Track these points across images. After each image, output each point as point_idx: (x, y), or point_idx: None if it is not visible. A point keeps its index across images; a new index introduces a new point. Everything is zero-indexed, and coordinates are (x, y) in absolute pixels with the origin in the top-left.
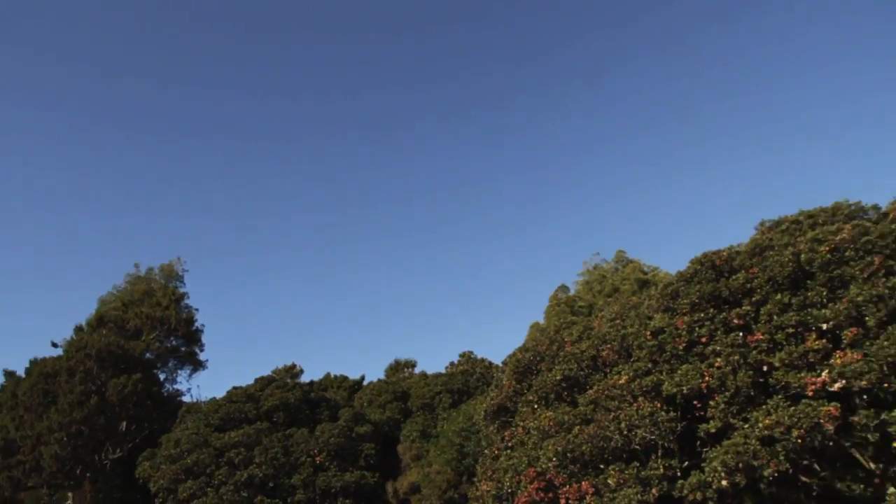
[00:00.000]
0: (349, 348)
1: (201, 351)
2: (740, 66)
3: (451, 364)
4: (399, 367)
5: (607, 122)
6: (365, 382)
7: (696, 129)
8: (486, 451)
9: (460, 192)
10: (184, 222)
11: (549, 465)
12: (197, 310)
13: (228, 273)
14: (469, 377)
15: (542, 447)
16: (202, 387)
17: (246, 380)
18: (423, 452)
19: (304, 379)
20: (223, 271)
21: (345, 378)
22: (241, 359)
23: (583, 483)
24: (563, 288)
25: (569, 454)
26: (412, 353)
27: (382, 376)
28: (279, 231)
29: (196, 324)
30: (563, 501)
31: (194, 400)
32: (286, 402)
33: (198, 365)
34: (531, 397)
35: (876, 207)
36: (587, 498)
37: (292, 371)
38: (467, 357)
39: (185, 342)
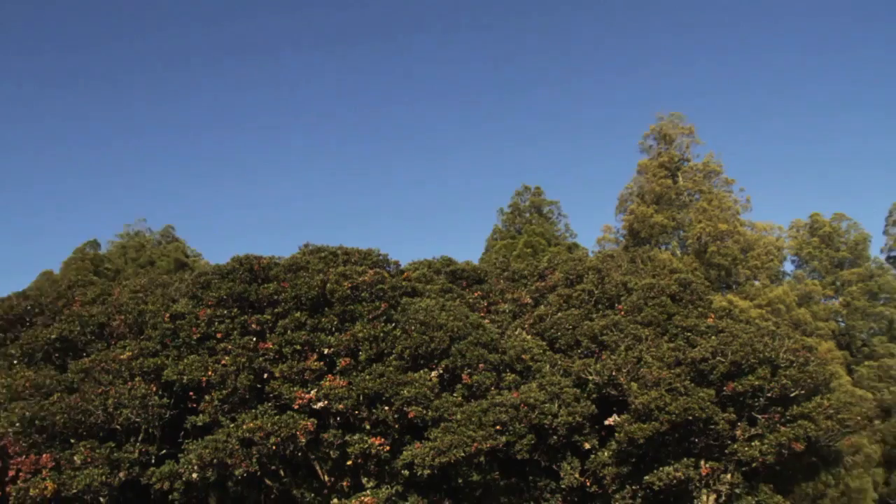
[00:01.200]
0: None
1: None
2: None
3: None
4: None
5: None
6: None
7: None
8: None
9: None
10: None
11: (10, 430)
12: None
13: None
14: None
15: (8, 409)
16: None
17: None
18: None
19: None
20: None
21: None
22: None
23: (44, 455)
24: (94, 244)
25: (38, 422)
26: None
27: None
28: None
29: None
30: (12, 472)
31: None
32: None
33: None
34: (14, 351)
35: (397, 263)
36: (44, 472)
37: None
38: None
39: None
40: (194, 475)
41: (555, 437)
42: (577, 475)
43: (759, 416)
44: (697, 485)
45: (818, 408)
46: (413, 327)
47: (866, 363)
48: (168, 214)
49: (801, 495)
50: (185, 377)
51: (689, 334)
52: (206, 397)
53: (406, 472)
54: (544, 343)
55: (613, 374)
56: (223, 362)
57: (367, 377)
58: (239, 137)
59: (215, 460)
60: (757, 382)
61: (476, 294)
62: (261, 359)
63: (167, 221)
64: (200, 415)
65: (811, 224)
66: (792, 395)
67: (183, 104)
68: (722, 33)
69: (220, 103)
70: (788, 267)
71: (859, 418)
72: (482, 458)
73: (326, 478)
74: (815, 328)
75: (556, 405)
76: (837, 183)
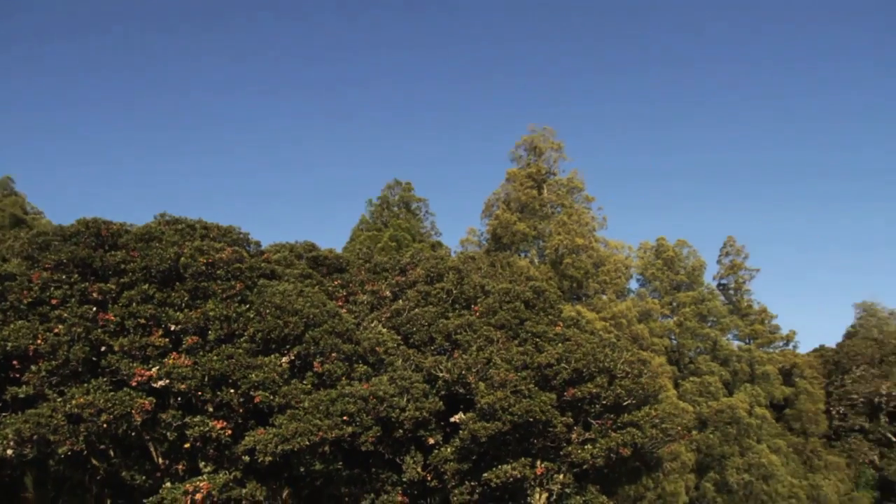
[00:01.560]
0: None
1: None
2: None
3: None
4: None
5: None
6: None
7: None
8: None
9: None
10: None
11: None
12: None
13: None
14: None
15: None
16: None
17: None
18: None
19: None
20: None
21: None
22: None
23: None
24: None
25: None
26: None
27: None
28: None
29: None
30: None
31: None
32: None
33: None
34: None
35: (258, 244)
36: None
37: None
38: None
39: None
40: (9, 451)
41: (401, 431)
42: (419, 469)
43: (594, 422)
44: (532, 483)
45: (646, 417)
46: (268, 310)
47: (691, 378)
48: (11, 166)
49: (624, 496)
50: (9, 344)
51: (538, 340)
52: (33, 367)
53: (247, 458)
54: (399, 337)
55: (463, 372)
56: (56, 331)
57: (215, 358)
58: (106, 102)
59: (36, 436)
60: (595, 390)
61: (336, 283)
62: (99, 330)
63: (8, 172)
64: (23, 386)
65: (657, 247)
66: (624, 403)
67: (50, 72)
68: (607, 49)
69: (84, 71)
70: (633, 284)
71: (680, 428)
72: (327, 448)
73: (161, 460)
74: (651, 343)
75: (405, 399)
76: (684, 210)
